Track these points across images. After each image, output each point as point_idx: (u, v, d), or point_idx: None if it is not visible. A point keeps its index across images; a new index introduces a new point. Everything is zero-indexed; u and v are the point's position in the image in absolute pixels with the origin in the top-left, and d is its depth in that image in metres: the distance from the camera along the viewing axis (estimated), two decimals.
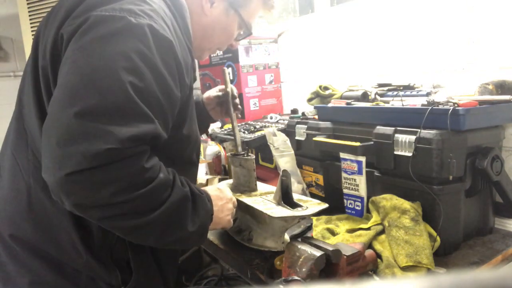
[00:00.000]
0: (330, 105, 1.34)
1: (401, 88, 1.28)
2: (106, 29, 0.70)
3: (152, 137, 0.71)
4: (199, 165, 1.07)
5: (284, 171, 1.05)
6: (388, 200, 1.03)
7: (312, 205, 1.03)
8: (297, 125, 1.42)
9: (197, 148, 0.98)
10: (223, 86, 1.25)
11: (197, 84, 2.30)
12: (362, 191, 1.11)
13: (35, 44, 0.86)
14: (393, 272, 0.88)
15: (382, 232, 1.01)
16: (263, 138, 1.45)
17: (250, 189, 1.19)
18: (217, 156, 1.89)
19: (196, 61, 1.12)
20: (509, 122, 1.10)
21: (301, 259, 0.80)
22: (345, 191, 1.16)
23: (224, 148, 1.87)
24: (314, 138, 1.24)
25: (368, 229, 1.03)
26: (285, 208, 1.01)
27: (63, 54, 0.74)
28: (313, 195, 1.34)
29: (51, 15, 0.85)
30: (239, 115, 1.26)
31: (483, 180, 1.04)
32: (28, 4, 2.42)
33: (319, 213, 1.02)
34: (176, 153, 0.88)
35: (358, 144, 1.09)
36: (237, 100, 1.25)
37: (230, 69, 1.96)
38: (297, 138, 1.41)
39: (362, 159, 1.09)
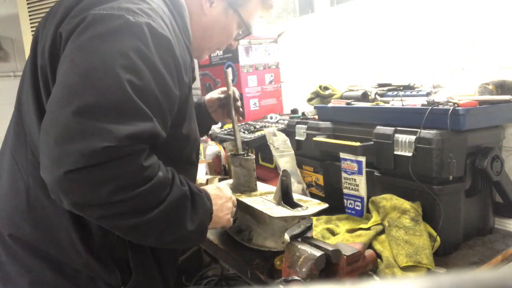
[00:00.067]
0: (330, 105, 1.34)
1: (401, 88, 1.28)
2: (104, 28, 0.70)
3: (151, 136, 0.71)
4: (199, 165, 1.07)
5: (284, 171, 1.05)
6: (388, 200, 1.03)
7: (312, 205, 1.03)
8: (297, 125, 1.42)
9: (196, 147, 0.98)
10: (225, 88, 1.25)
11: (197, 84, 2.30)
12: (362, 191, 1.11)
13: (34, 44, 0.86)
14: (393, 272, 0.88)
15: (382, 232, 1.01)
16: (263, 138, 1.45)
17: (250, 189, 1.19)
18: (217, 156, 1.89)
19: (196, 61, 1.12)
20: (509, 122, 1.10)
21: (301, 259, 0.80)
22: (345, 191, 1.16)
23: (224, 148, 1.87)
24: (314, 138, 1.24)
25: (368, 229, 1.03)
26: (285, 208, 1.01)
27: (62, 52, 0.74)
28: (313, 195, 1.34)
29: (49, 14, 0.85)
30: (241, 118, 1.26)
31: (483, 180, 1.04)
32: (28, 4, 2.42)
33: (319, 213, 1.02)
34: (176, 153, 0.88)
35: (358, 144, 1.09)
36: (239, 103, 1.25)
37: (230, 69, 1.96)
38: (297, 138, 1.41)
39: (362, 159, 1.09)
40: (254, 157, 1.18)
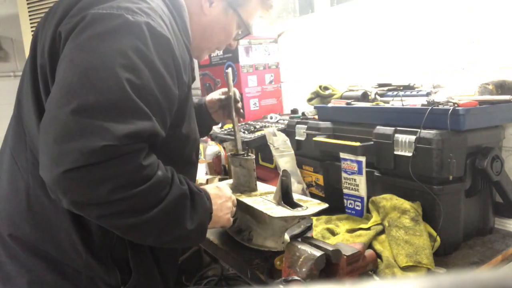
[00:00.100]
0: (330, 105, 1.34)
1: (401, 88, 1.28)
2: (103, 27, 0.70)
3: (150, 135, 0.71)
4: (199, 165, 1.07)
5: (284, 171, 1.05)
6: (388, 200, 1.03)
7: (312, 205, 1.03)
8: (297, 125, 1.42)
9: (196, 147, 0.98)
10: (225, 89, 1.25)
11: (197, 84, 2.30)
12: (362, 191, 1.11)
13: (34, 44, 0.86)
14: (393, 272, 0.88)
15: (382, 232, 1.01)
16: (263, 138, 1.45)
17: (250, 189, 1.19)
18: (217, 156, 1.89)
19: (195, 61, 1.12)
20: (509, 122, 1.10)
21: (301, 259, 0.80)
22: (345, 191, 1.16)
23: (224, 148, 1.87)
24: (314, 138, 1.24)
25: (368, 229, 1.03)
26: (285, 208, 1.01)
27: (61, 52, 0.74)
28: (313, 195, 1.34)
29: (49, 14, 0.85)
30: (241, 120, 1.25)
31: (483, 180, 1.04)
32: (28, 4, 2.42)
33: (319, 213, 1.02)
34: (175, 152, 0.88)
35: (358, 144, 1.09)
36: (240, 104, 1.24)
37: (230, 70, 1.96)
38: (297, 138, 1.41)
39: (362, 159, 1.09)
40: (254, 157, 1.18)
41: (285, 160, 1.35)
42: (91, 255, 0.81)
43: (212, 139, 1.76)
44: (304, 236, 0.87)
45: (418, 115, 1.00)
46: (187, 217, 0.78)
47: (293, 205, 1.03)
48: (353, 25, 1.70)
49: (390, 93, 1.27)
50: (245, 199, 1.11)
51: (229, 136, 1.60)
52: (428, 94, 1.13)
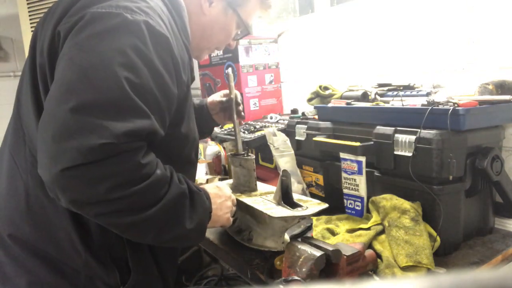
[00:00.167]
0: (330, 105, 1.34)
1: (401, 88, 1.28)
2: (102, 26, 0.70)
3: (149, 133, 0.70)
4: (199, 165, 1.07)
5: (284, 171, 1.05)
6: (388, 200, 1.03)
7: (312, 205, 1.03)
8: (297, 125, 1.42)
9: (195, 147, 0.98)
10: (227, 91, 1.25)
11: (197, 84, 2.30)
12: (362, 191, 1.11)
13: (33, 43, 0.86)
14: (393, 272, 0.88)
15: (382, 232, 1.01)
16: (263, 138, 1.45)
17: (250, 189, 1.19)
18: (217, 156, 1.89)
19: (195, 61, 1.12)
20: (509, 122, 1.10)
21: (301, 259, 0.80)
22: (345, 191, 1.16)
23: (224, 148, 1.87)
24: (314, 138, 1.24)
25: (368, 229, 1.03)
26: (285, 208, 1.01)
27: (60, 51, 0.74)
28: (313, 195, 1.34)
29: (48, 14, 0.85)
30: (243, 122, 1.25)
31: (483, 180, 1.04)
32: (28, 4, 2.42)
33: (319, 213, 1.02)
34: (175, 152, 0.88)
35: (358, 144, 1.09)
36: (241, 107, 1.24)
37: (231, 70, 1.96)
38: (297, 138, 1.41)
39: (362, 159, 1.09)
40: (254, 157, 1.18)
41: (285, 160, 1.35)
42: (90, 254, 0.81)
43: (212, 139, 1.76)
44: (304, 236, 0.87)
45: (418, 115, 1.00)
46: (186, 216, 0.78)
47: (293, 205, 1.03)
48: (353, 25, 1.70)
49: (390, 93, 1.27)
50: (245, 199, 1.11)
51: (229, 136, 1.60)
52: (428, 94, 1.13)
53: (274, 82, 2.05)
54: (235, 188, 1.21)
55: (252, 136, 1.52)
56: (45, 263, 0.82)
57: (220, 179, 1.62)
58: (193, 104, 1.25)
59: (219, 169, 1.88)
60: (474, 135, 1.00)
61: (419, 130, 0.98)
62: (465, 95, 1.10)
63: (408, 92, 1.21)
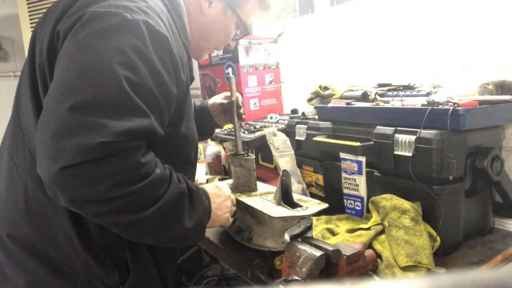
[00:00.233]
0: (330, 105, 1.34)
1: (401, 88, 1.28)
2: (101, 25, 0.70)
3: (148, 132, 0.70)
4: (199, 165, 1.07)
5: (284, 171, 1.05)
6: (388, 200, 1.03)
7: (312, 205, 1.03)
8: (297, 125, 1.42)
9: (195, 147, 0.98)
10: (228, 93, 1.25)
11: (197, 84, 2.30)
12: (362, 191, 1.11)
13: (32, 43, 0.86)
14: (393, 272, 0.88)
15: (382, 232, 1.01)
16: (263, 138, 1.45)
17: (250, 189, 1.19)
18: (217, 156, 1.89)
19: (195, 61, 1.12)
20: (509, 122, 1.10)
21: (301, 259, 0.80)
22: (345, 191, 1.16)
23: (224, 148, 1.87)
24: (314, 138, 1.24)
25: (368, 229, 1.03)
26: (285, 208, 1.01)
27: (60, 50, 0.74)
28: (313, 195, 1.34)
29: (47, 14, 0.85)
30: (243, 124, 1.25)
31: (483, 180, 1.03)
32: (28, 4, 2.42)
33: (319, 213, 1.02)
34: (174, 152, 0.88)
35: (358, 144, 1.09)
36: (242, 110, 1.24)
37: (231, 70, 1.96)
38: (297, 138, 1.41)
39: (362, 159, 1.09)
40: (254, 157, 1.18)
41: (285, 160, 1.35)
42: (89, 254, 0.80)
43: (212, 139, 1.76)
44: (304, 236, 0.87)
45: (418, 115, 1.00)
46: (185, 216, 0.78)
47: (293, 205, 1.03)
48: (353, 25, 1.70)
49: (390, 93, 1.27)
50: (245, 199, 1.11)
51: (229, 136, 1.60)
52: (428, 94, 1.13)
53: (274, 82, 2.05)
54: (235, 188, 1.21)
55: (252, 136, 1.52)
56: (44, 263, 0.82)
57: (220, 179, 1.62)
58: (194, 106, 1.25)
59: (219, 169, 1.88)
60: (474, 135, 1.00)
61: (419, 130, 0.98)
62: (465, 95, 1.10)
63: (408, 92, 1.21)
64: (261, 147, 1.49)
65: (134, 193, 0.68)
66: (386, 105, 1.18)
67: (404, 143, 1.02)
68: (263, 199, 1.09)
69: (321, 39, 1.86)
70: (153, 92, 0.72)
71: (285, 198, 1.04)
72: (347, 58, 1.74)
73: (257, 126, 1.65)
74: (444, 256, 1.00)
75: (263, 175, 1.56)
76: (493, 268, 0.98)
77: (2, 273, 0.84)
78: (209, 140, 1.91)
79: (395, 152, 1.04)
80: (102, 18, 0.71)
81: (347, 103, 1.28)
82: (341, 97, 1.40)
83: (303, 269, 0.77)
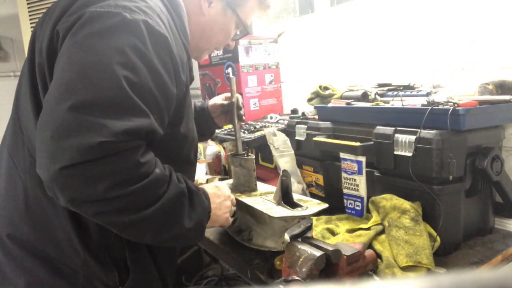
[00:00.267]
0: (330, 105, 1.34)
1: (401, 88, 1.28)
2: (101, 25, 0.70)
3: (148, 132, 0.70)
4: (199, 165, 1.07)
5: (284, 171, 1.05)
6: (388, 200, 1.03)
7: (312, 205, 1.03)
8: (297, 125, 1.42)
9: (194, 147, 0.98)
10: (228, 94, 1.25)
11: (197, 84, 2.30)
12: (362, 191, 1.11)
13: (32, 43, 0.86)
14: (393, 272, 0.88)
15: (382, 232, 1.01)
16: (263, 138, 1.45)
17: (250, 189, 1.19)
18: (217, 156, 1.89)
19: (195, 61, 1.12)
20: (509, 122, 1.10)
21: (301, 259, 0.80)
22: (345, 191, 1.16)
23: (224, 148, 1.87)
24: (314, 138, 1.24)
25: (368, 229, 1.03)
26: (285, 208, 1.01)
27: (59, 50, 0.74)
28: (313, 195, 1.33)
29: (47, 14, 0.85)
30: (243, 126, 1.25)
31: (483, 180, 1.03)
32: (28, 4, 2.42)
33: (319, 213, 1.02)
34: (174, 152, 0.88)
35: (358, 144, 1.09)
36: (242, 111, 1.24)
37: (230, 69, 1.96)
38: (297, 138, 1.41)
39: (362, 159, 1.09)
40: (254, 157, 1.18)
41: (285, 160, 1.35)
42: (89, 254, 0.80)
43: (212, 139, 1.76)
44: (304, 236, 0.87)
45: (418, 115, 1.00)
46: (185, 216, 0.78)
47: (293, 205, 1.03)
48: (353, 25, 1.70)
49: (390, 93, 1.27)
50: (245, 199, 1.11)
51: (229, 136, 1.60)
52: (428, 94, 1.13)
53: (274, 82, 2.05)
54: (235, 188, 1.21)
55: (252, 136, 1.52)
56: (44, 263, 0.82)
57: (220, 179, 1.62)
58: (195, 106, 1.25)
59: (219, 169, 1.88)
60: (474, 135, 1.00)
61: (419, 130, 0.98)
62: (465, 95, 1.10)
63: (408, 92, 1.21)
64: (261, 147, 1.49)
65: (134, 193, 0.68)
66: (386, 105, 1.18)
67: (404, 143, 1.02)
68: (263, 199, 1.09)
69: (321, 39, 1.86)
70: (152, 92, 0.72)
71: (285, 198, 1.04)
72: (347, 58, 1.74)
73: (257, 126, 1.65)
74: (444, 256, 1.00)
75: (263, 175, 1.56)
76: (493, 268, 0.98)
77: (2, 273, 0.84)
78: (209, 140, 1.91)
79: (395, 152, 1.04)
80: (102, 18, 0.71)
81: (347, 103, 1.28)
82: (341, 97, 1.40)
83: (303, 269, 0.77)
